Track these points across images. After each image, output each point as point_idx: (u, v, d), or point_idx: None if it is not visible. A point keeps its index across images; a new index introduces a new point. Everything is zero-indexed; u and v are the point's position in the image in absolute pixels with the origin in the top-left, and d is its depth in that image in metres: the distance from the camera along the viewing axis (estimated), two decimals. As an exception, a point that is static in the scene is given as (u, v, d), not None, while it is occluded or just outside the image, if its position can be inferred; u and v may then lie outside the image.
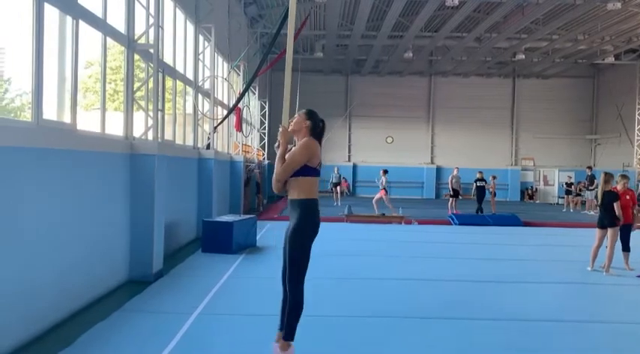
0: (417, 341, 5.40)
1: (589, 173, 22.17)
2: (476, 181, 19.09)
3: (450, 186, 19.69)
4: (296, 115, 4.44)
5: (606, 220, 9.10)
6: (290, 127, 4.36)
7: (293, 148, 4.32)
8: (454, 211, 18.58)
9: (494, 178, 19.72)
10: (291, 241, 4.23)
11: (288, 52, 4.54)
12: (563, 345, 5.38)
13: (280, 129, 4.27)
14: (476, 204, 19.02)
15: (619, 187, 9.41)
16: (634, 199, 9.54)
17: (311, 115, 4.41)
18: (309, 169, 4.22)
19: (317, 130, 4.39)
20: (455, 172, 19.73)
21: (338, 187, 22.86)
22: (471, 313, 6.49)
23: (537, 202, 28.99)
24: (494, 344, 5.35)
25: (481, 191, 19.03)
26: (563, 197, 24.10)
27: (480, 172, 19.43)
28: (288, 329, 4.29)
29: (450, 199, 19.36)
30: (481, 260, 10.15)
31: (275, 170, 4.21)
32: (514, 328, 5.88)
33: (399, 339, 5.46)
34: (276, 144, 4.27)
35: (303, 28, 17.77)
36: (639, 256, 9.78)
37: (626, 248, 9.33)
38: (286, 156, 4.25)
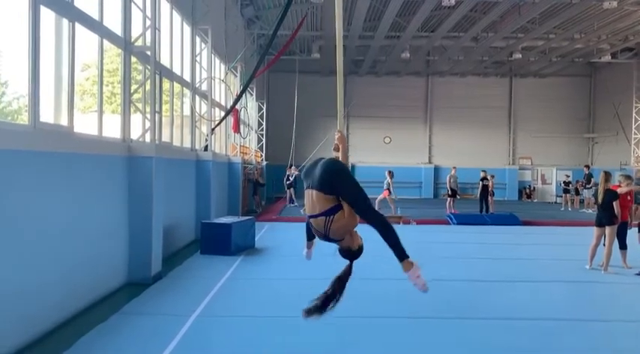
0: (415, 341, 5.41)
1: (586, 172, 22.21)
2: (482, 180, 19.05)
3: (448, 186, 19.69)
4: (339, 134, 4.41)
5: (604, 219, 9.12)
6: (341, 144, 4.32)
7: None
8: (452, 211, 18.59)
9: (492, 177, 19.73)
10: (347, 180, 3.72)
11: (338, 52, 4.56)
12: (562, 344, 5.39)
13: (338, 135, 4.32)
14: (479, 203, 18.96)
15: (623, 187, 9.43)
16: (633, 199, 9.56)
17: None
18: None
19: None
20: (453, 171, 19.73)
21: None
22: (469, 312, 6.49)
23: (535, 201, 29.02)
24: (492, 343, 5.36)
25: (485, 190, 19.01)
26: (561, 196, 24.13)
27: (484, 172, 19.44)
28: (398, 251, 3.80)
29: (449, 198, 19.36)
30: (479, 260, 10.15)
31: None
32: (512, 327, 5.89)
33: (397, 339, 5.47)
34: (334, 146, 4.34)
35: (300, 29, 17.78)
36: (638, 255, 9.78)
37: (622, 246, 9.35)
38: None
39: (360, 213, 3.73)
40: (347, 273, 3.92)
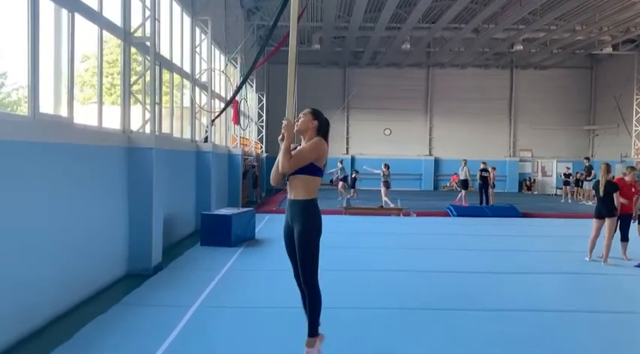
0: (416, 333, 5.42)
1: (587, 164, 22.20)
2: (481, 172, 19.01)
3: (460, 177, 19.66)
4: (301, 115, 4.36)
5: (604, 211, 9.12)
6: (296, 128, 4.29)
7: (303, 145, 4.25)
8: (463, 204, 18.56)
9: (493, 169, 19.73)
10: (302, 243, 4.22)
11: (291, 43, 4.45)
12: (562, 335, 5.40)
13: (285, 122, 4.21)
14: (479, 195, 18.96)
15: (627, 178, 9.42)
16: (637, 191, 9.55)
17: (317, 114, 4.35)
18: (315, 169, 4.18)
19: (324, 129, 4.35)
20: (463, 164, 19.64)
21: (340, 182, 20.85)
22: (470, 304, 6.51)
23: (535, 193, 29.03)
24: (492, 335, 5.37)
25: (485, 182, 19.00)
26: (561, 188, 24.13)
27: (484, 163, 19.43)
28: (312, 325, 4.32)
29: (460, 191, 19.29)
30: (480, 251, 10.16)
31: (279, 163, 4.14)
32: (513, 319, 5.90)
33: (397, 331, 5.48)
34: (280, 136, 4.20)
35: (300, 20, 17.69)
36: (638, 247, 9.79)
37: (624, 238, 9.35)
38: (294, 152, 4.20)
39: (303, 276, 4.37)
40: None
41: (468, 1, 18.17)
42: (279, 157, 4.13)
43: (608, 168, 9.25)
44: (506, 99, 30.64)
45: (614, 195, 8.95)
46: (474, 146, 29.46)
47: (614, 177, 9.44)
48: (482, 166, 19.09)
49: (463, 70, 29.64)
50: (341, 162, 21.01)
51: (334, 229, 11.82)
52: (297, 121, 4.34)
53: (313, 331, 4.30)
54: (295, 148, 4.29)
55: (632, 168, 9.72)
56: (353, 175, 20.44)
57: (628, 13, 19.56)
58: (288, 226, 4.33)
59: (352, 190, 19.68)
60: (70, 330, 5.25)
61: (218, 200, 13.47)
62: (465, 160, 20.13)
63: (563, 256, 9.70)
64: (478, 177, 18.99)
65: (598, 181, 9.33)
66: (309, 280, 4.28)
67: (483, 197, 18.75)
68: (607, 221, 9.09)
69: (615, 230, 9.19)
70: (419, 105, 30.54)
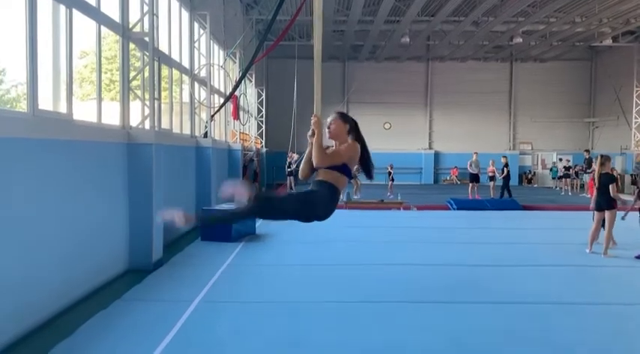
0: (417, 325, 5.43)
1: (587, 156, 22.18)
2: (505, 167, 18.97)
3: (469, 171, 19.61)
4: (330, 121, 4.31)
5: (603, 203, 9.12)
6: (328, 135, 4.28)
7: (340, 147, 4.23)
8: (475, 197, 18.55)
9: (492, 162, 19.72)
10: (308, 201, 4.07)
11: (316, 37, 4.47)
12: (563, 327, 5.42)
13: (314, 119, 4.22)
14: (501, 190, 18.86)
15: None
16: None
17: (346, 117, 4.35)
18: (346, 169, 4.18)
19: (356, 130, 4.34)
20: (474, 157, 19.57)
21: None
22: (471, 296, 6.52)
23: (535, 185, 29.03)
24: (493, 327, 5.39)
25: (507, 176, 18.91)
26: (554, 179, 24.10)
27: (505, 157, 19.43)
28: (211, 219, 4.73)
29: (470, 184, 19.25)
30: (480, 244, 10.17)
31: (315, 157, 4.10)
32: (513, 311, 5.92)
33: (399, 324, 5.49)
34: (310, 132, 4.21)
35: (299, 14, 17.64)
36: (637, 238, 9.81)
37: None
38: (329, 150, 4.20)
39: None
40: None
41: (467, -7, 18.12)
42: (314, 152, 4.11)
43: (603, 160, 9.24)
44: (506, 92, 30.59)
45: (610, 186, 8.95)
46: (474, 139, 29.42)
47: (613, 169, 9.44)
48: (503, 161, 19.06)
49: (463, 64, 29.58)
50: None
51: (335, 224, 11.82)
52: (329, 127, 4.32)
53: (205, 221, 4.27)
54: (327, 148, 4.29)
55: (608, 158, 9.58)
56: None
57: (628, 4, 19.48)
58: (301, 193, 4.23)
59: (354, 182, 19.44)
60: (71, 326, 5.27)
61: (218, 195, 13.46)
62: (476, 152, 20.04)
63: (563, 249, 9.70)
64: (505, 172, 18.81)
65: (599, 173, 9.31)
66: (261, 200, 4.07)
67: (505, 192, 18.69)
68: (607, 213, 9.09)
69: (614, 222, 9.19)
70: (419, 99, 30.50)
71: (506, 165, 18.94)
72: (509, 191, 18.75)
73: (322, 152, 4.12)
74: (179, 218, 3.99)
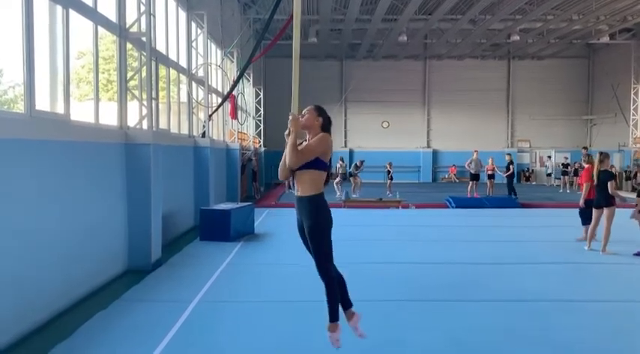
0: (416, 324, 5.43)
1: (585, 154, 22.17)
2: (510, 164, 18.99)
3: (467, 169, 19.60)
4: (305, 111, 4.42)
5: (602, 200, 9.12)
6: (301, 123, 4.32)
7: (309, 141, 4.30)
8: (474, 195, 18.56)
9: (491, 159, 19.74)
10: (313, 237, 4.33)
11: (295, 37, 4.52)
12: (562, 325, 5.42)
13: (290, 117, 4.24)
14: (508, 187, 18.86)
15: (588, 165, 9.83)
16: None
17: (321, 111, 4.45)
18: (321, 163, 4.22)
19: (328, 126, 4.43)
20: (474, 155, 19.57)
21: (338, 178, 19.95)
22: (470, 294, 6.53)
23: (534, 183, 29.06)
24: (493, 325, 5.39)
25: (512, 174, 18.97)
26: (560, 178, 24.15)
27: (509, 155, 19.45)
28: (330, 311, 4.50)
29: (470, 182, 19.23)
30: (479, 242, 10.18)
31: (287, 157, 4.15)
32: (513, 309, 5.92)
33: (398, 322, 5.49)
34: (287, 131, 4.23)
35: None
36: (636, 235, 9.82)
37: (587, 222, 9.82)
38: (300, 147, 4.23)
39: (319, 268, 4.44)
40: None
41: (465, -9, 18.11)
42: (287, 152, 4.15)
43: (602, 157, 9.26)
44: (504, 90, 30.61)
45: (609, 184, 8.96)
46: (472, 138, 29.44)
47: (612, 166, 9.47)
48: (508, 159, 19.07)
49: (460, 62, 29.58)
50: (342, 159, 20.90)
51: (334, 223, 11.81)
52: (302, 117, 4.37)
53: (332, 317, 4.49)
54: (301, 143, 4.33)
55: (607, 155, 9.59)
56: (357, 163, 20.20)
57: (624, 1, 19.49)
58: (300, 222, 4.40)
59: (354, 180, 19.43)
60: (70, 326, 5.27)
61: (217, 195, 13.47)
62: (477, 150, 20.02)
63: (562, 246, 9.72)
64: (511, 170, 18.82)
65: (598, 171, 9.33)
66: (322, 270, 4.43)
67: (511, 189, 18.69)
68: (605, 211, 9.10)
69: (612, 219, 9.20)
70: (416, 97, 30.51)
71: (511, 162, 18.95)
72: (514, 190, 18.76)
73: (295, 151, 4.14)
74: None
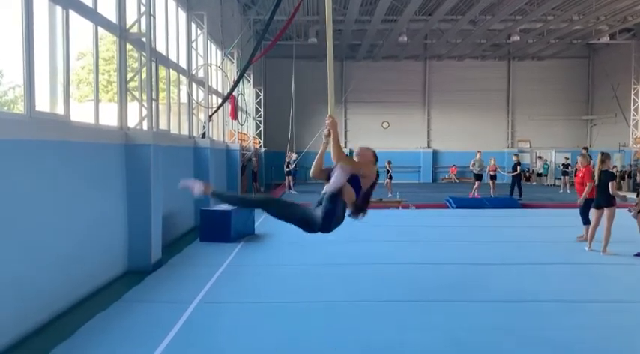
0: (416, 324, 5.43)
1: (584, 154, 22.14)
2: (517, 165, 18.99)
3: (471, 169, 19.58)
4: (362, 149, 4.46)
5: (602, 201, 9.12)
6: (357, 158, 4.38)
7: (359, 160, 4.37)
8: (475, 196, 18.55)
9: (494, 161, 19.73)
10: (328, 200, 4.05)
11: (328, 37, 4.55)
12: (561, 325, 5.42)
13: (329, 120, 4.24)
14: (514, 188, 18.88)
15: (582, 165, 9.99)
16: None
17: (376, 157, 4.51)
18: (355, 182, 4.17)
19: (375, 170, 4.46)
20: (478, 156, 19.55)
21: None
22: (470, 295, 6.53)
23: (534, 183, 29.04)
24: (493, 325, 5.39)
25: (519, 174, 18.97)
26: (560, 179, 24.13)
27: (516, 155, 19.44)
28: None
29: (476, 183, 19.21)
30: (479, 243, 10.18)
31: (333, 152, 4.12)
32: (513, 310, 5.92)
33: (398, 322, 5.49)
34: (326, 132, 4.24)
35: (296, 14, 17.65)
36: (637, 236, 9.81)
37: (587, 222, 9.88)
38: (350, 161, 4.24)
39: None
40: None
41: (465, -8, 18.12)
42: (333, 146, 4.13)
43: (603, 157, 9.25)
44: (504, 90, 30.62)
45: (610, 184, 8.96)
46: (473, 138, 29.45)
47: (615, 167, 9.49)
48: (515, 159, 19.07)
49: (460, 62, 29.59)
50: None
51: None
52: (358, 154, 4.41)
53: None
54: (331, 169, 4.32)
55: (608, 155, 9.63)
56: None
57: (625, 2, 19.49)
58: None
59: None
60: (71, 327, 5.26)
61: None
62: (480, 151, 20.02)
63: (562, 246, 9.72)
64: (517, 170, 18.81)
65: (599, 171, 9.32)
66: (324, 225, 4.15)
67: (516, 189, 18.69)
68: (606, 211, 9.09)
69: (613, 219, 9.20)
70: (417, 97, 30.51)
71: (518, 163, 18.95)
72: (521, 190, 18.75)
73: (340, 148, 4.17)
74: (198, 187, 4.34)
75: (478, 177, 19.21)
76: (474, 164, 19.36)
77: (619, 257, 8.80)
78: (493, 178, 19.52)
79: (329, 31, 4.51)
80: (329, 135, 4.24)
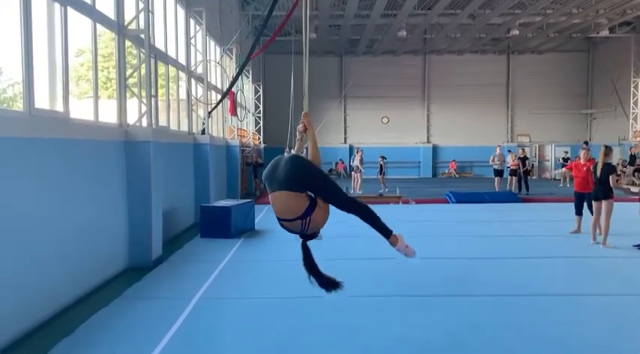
0: (416, 319, 5.44)
1: (586, 148, 22.14)
2: (525, 159, 18.97)
3: (491, 164, 19.47)
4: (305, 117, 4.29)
5: (601, 193, 9.12)
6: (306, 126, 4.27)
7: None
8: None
9: (515, 156, 19.69)
10: (313, 172, 3.77)
11: (304, 36, 4.54)
12: (562, 319, 5.42)
13: (305, 117, 4.24)
14: (518, 183, 18.89)
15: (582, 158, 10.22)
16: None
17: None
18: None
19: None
20: (498, 150, 19.43)
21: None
22: (470, 290, 6.53)
23: (534, 177, 29.01)
24: (492, 321, 5.39)
25: (525, 169, 18.95)
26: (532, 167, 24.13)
27: (523, 149, 19.40)
28: (382, 230, 4.15)
29: (495, 178, 19.09)
30: (479, 237, 10.19)
31: (315, 149, 4.15)
32: (513, 304, 5.93)
33: (399, 318, 5.50)
34: (300, 127, 4.22)
35: (295, 9, 17.59)
36: (636, 227, 9.83)
37: (580, 213, 10.25)
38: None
39: (338, 204, 3.92)
40: (307, 253, 4.09)
41: (464, -14, 18.08)
42: (315, 146, 4.15)
43: (607, 150, 9.25)
44: (504, 84, 30.59)
45: (610, 177, 8.96)
46: (472, 132, 29.46)
47: (621, 159, 9.52)
48: (521, 154, 19.00)
49: (460, 57, 29.54)
50: (342, 161, 20.93)
51: (332, 219, 11.81)
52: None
53: (386, 232, 4.15)
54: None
55: (611, 149, 9.64)
56: (357, 153, 20.19)
57: (624, -5, 19.47)
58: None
59: (355, 176, 19.42)
60: (72, 324, 5.28)
61: (217, 192, 13.47)
62: (500, 145, 19.93)
63: (562, 240, 9.73)
64: (527, 165, 18.79)
65: (597, 163, 9.33)
66: (349, 202, 4.03)
67: (522, 185, 18.63)
68: (604, 203, 9.09)
69: (611, 212, 9.19)
70: (416, 92, 30.48)
71: (526, 157, 18.89)
72: (527, 185, 18.74)
73: (317, 147, 4.20)
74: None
75: (499, 173, 19.03)
76: (493, 159, 19.17)
77: (619, 250, 8.80)
78: (513, 173, 19.09)
79: (305, 32, 4.52)
80: (304, 131, 4.25)
